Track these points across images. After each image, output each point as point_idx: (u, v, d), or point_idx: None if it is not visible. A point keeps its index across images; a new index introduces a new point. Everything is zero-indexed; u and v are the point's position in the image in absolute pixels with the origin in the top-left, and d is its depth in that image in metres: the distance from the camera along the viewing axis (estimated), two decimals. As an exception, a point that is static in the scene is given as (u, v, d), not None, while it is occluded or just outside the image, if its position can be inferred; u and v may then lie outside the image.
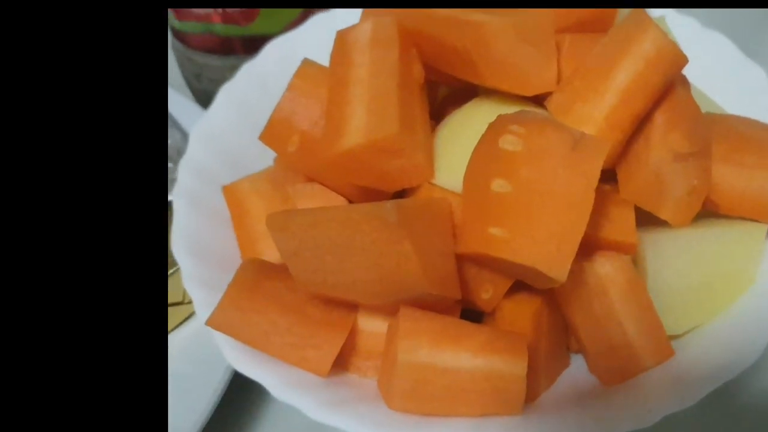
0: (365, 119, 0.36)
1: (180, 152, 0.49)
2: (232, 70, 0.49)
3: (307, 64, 0.41)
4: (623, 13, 0.43)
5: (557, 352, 0.40)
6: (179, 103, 0.55)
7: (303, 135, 0.40)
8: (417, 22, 0.40)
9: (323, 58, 0.42)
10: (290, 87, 0.40)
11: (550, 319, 0.38)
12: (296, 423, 0.46)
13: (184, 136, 0.52)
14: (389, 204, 0.32)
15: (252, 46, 0.53)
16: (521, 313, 0.38)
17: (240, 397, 0.46)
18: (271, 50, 0.50)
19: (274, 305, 0.36)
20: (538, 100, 0.39)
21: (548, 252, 0.33)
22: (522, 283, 0.37)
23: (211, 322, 0.35)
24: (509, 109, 0.38)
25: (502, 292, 0.37)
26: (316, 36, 0.50)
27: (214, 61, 0.56)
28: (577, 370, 0.40)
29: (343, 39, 0.40)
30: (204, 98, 0.57)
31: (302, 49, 0.47)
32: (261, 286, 0.36)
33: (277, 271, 0.37)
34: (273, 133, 0.40)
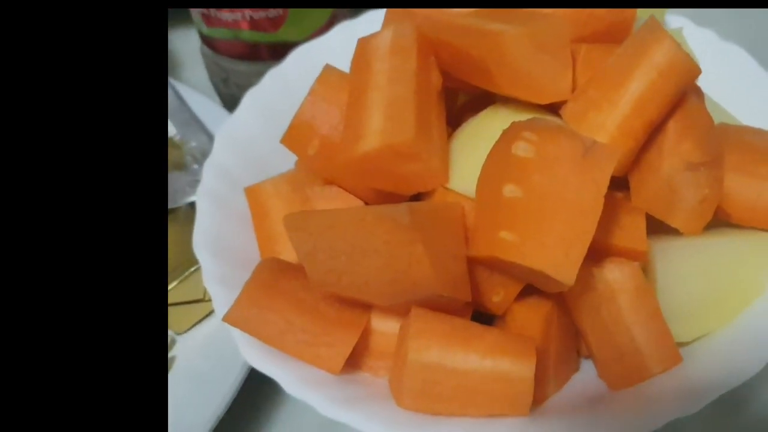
0: (382, 124, 0.37)
1: (206, 154, 0.51)
2: (258, 75, 0.50)
3: (328, 70, 0.42)
4: (639, 23, 0.44)
5: (567, 357, 0.40)
6: (206, 106, 0.56)
7: (323, 139, 0.41)
8: (436, 30, 0.41)
9: (346, 65, 0.43)
10: (312, 92, 0.41)
11: (560, 324, 0.39)
12: (310, 420, 0.47)
13: (210, 138, 0.53)
14: (402, 206, 0.33)
15: (278, 52, 0.55)
16: (531, 316, 0.38)
17: (256, 393, 0.47)
18: (295, 57, 0.51)
19: (289, 304, 0.37)
20: (554, 109, 0.40)
21: (557, 256, 0.33)
22: (533, 287, 0.38)
23: (227, 318, 0.36)
24: (524, 116, 0.39)
25: (512, 295, 0.38)
26: (339, 43, 0.51)
27: (241, 67, 0.58)
28: (586, 375, 0.40)
29: (363, 46, 0.41)
30: (231, 102, 0.58)
31: (326, 56, 0.48)
32: (278, 285, 0.37)
33: (294, 271, 0.38)
34: (294, 137, 0.42)
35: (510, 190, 0.35)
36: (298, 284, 0.37)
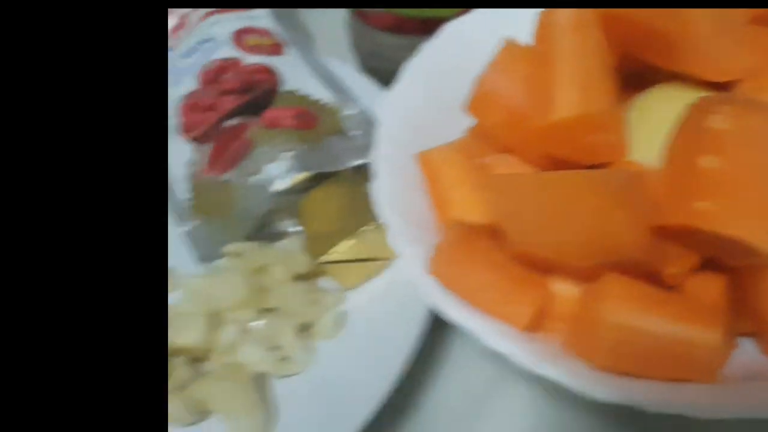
0: (577, 94, 0.38)
1: (361, 121, 0.53)
2: (404, 48, 0.52)
3: (509, 42, 0.43)
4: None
5: (731, 332, 0.41)
6: (355, 78, 0.58)
7: (505, 108, 0.42)
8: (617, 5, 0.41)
9: (493, 40, 0.44)
10: (494, 63, 0.43)
11: (730, 299, 0.40)
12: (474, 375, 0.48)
13: (362, 107, 0.55)
14: (609, 172, 0.35)
15: (425, 27, 0.56)
16: (708, 290, 0.39)
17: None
18: (447, 32, 0.52)
19: (482, 262, 0.38)
20: (721, 89, 0.41)
21: (759, 226, 0.34)
22: (706, 262, 0.39)
23: (432, 271, 0.38)
24: (695, 95, 0.39)
25: (689, 267, 0.39)
26: (486, 21, 0.52)
27: (389, 40, 0.59)
28: (742, 352, 0.41)
29: (546, 19, 0.42)
30: (375, 74, 0.60)
31: (474, 32, 0.49)
32: (472, 244, 0.39)
33: (482, 233, 0.39)
34: (477, 105, 0.43)
35: (707, 161, 0.36)
36: (488, 245, 0.39)
